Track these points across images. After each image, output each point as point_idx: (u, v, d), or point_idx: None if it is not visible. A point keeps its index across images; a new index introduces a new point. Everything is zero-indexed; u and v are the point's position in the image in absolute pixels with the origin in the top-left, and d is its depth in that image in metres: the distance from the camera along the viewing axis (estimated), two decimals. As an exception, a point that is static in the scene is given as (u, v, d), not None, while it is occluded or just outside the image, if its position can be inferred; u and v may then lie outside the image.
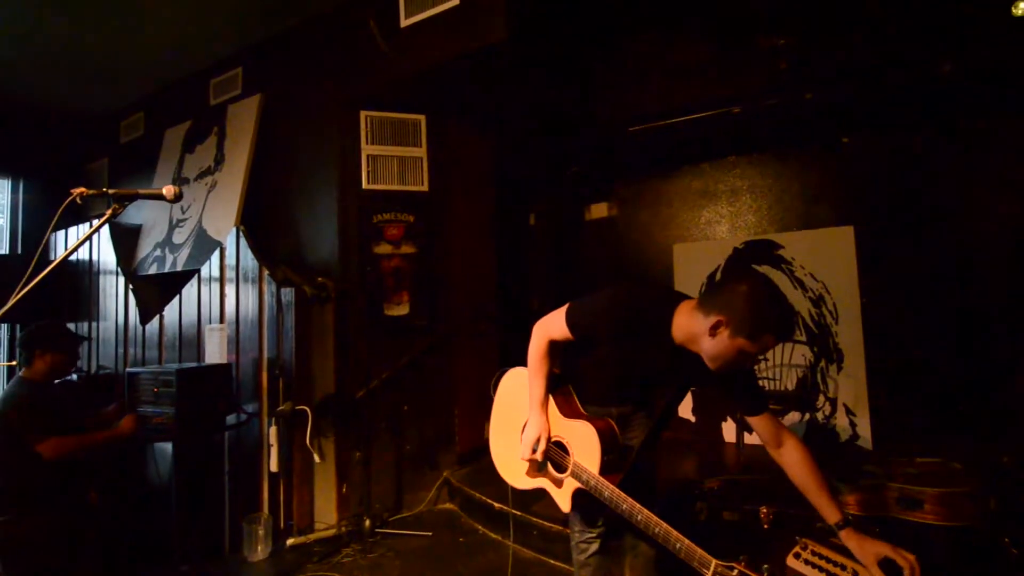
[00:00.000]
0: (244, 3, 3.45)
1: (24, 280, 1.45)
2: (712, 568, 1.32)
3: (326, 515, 3.18)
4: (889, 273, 3.63)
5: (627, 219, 4.71)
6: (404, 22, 3.13)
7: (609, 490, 1.55)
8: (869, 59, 3.06)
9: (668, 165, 4.51)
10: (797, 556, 1.78)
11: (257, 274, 3.28)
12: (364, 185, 3.45)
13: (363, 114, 3.47)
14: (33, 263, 1.49)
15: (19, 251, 4.77)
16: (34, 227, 4.80)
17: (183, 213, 4.08)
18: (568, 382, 1.84)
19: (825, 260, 3.84)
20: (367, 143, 3.48)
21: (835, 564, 1.66)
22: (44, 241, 1.64)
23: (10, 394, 2.48)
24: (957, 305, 3.47)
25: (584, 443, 1.65)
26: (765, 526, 2.29)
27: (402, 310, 3.48)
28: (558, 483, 1.73)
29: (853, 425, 3.60)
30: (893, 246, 3.64)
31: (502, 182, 4.46)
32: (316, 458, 3.10)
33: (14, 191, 4.86)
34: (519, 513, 2.78)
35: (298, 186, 3.71)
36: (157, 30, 3.70)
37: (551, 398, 1.79)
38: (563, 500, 1.72)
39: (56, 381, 2.69)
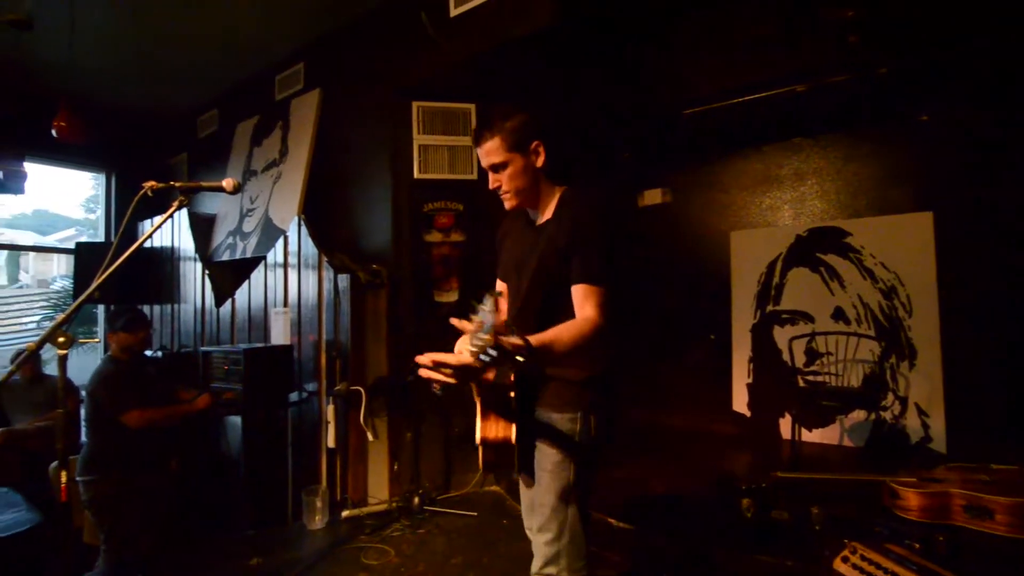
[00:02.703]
0: (304, 4, 3.59)
1: (105, 265, 1.62)
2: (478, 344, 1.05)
3: (378, 490, 3.34)
4: (972, 263, 3.33)
5: (681, 205, 4.56)
6: (453, 11, 3.15)
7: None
8: (949, 28, 2.78)
9: (726, 148, 4.33)
10: (845, 560, 1.71)
11: (316, 261, 3.46)
12: (416, 174, 3.53)
13: (415, 105, 3.55)
14: (112, 249, 1.65)
15: (113, 239, 5.26)
16: (123, 215, 5.27)
17: (252, 203, 4.35)
18: None
19: (899, 248, 3.58)
20: (419, 133, 3.56)
21: (885, 571, 1.58)
22: (122, 229, 1.79)
23: (97, 370, 2.77)
24: (1052, 299, 3.14)
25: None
26: (816, 527, 2.20)
27: (451, 297, 3.56)
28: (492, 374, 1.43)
29: (926, 427, 3.36)
30: (977, 233, 3.33)
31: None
32: (370, 436, 3.25)
33: (107, 185, 5.36)
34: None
35: (354, 176, 3.85)
36: (229, 33, 3.93)
37: None
38: (504, 375, 1.48)
39: (139, 358, 2.97)
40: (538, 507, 1.41)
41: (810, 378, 3.81)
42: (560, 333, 1.23)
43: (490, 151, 1.42)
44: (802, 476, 2.36)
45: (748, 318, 4.15)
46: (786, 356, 3.87)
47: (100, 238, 5.43)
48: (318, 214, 3.74)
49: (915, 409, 3.43)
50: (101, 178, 5.42)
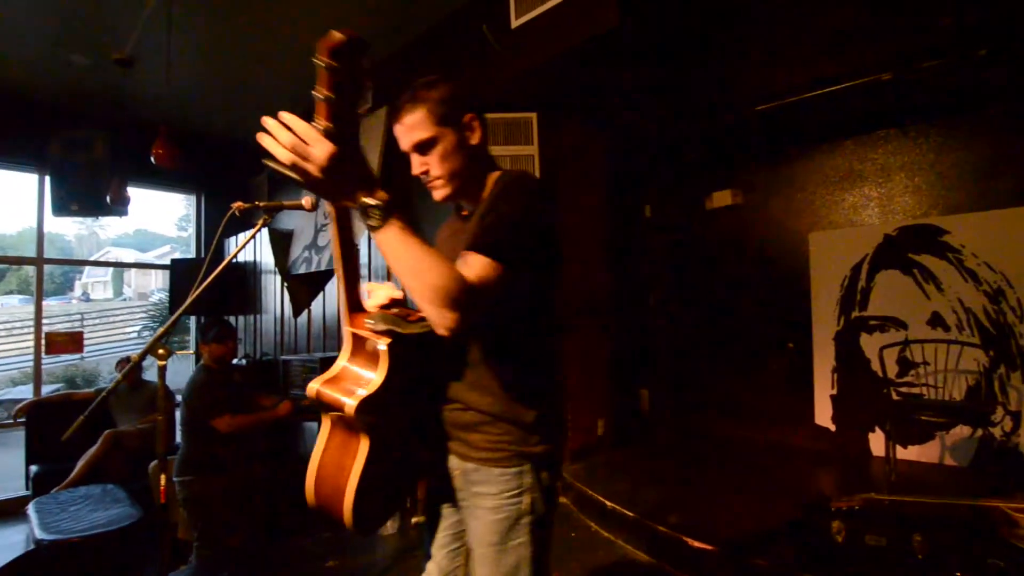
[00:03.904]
0: (368, 27, 3.74)
1: (199, 280, 1.74)
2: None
3: (447, 498, 3.38)
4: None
5: (754, 206, 4.35)
6: (515, 23, 3.18)
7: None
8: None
9: (803, 144, 4.09)
10: (957, 594, 1.54)
11: (386, 272, 3.57)
12: (479, 185, 3.58)
13: (477, 117, 3.60)
14: (205, 265, 1.77)
15: (203, 255, 5.68)
16: (213, 235, 5.69)
17: (326, 218, 4.56)
18: None
19: (1006, 247, 3.23)
20: (481, 144, 3.60)
21: (1008, 610, 1.41)
22: (213, 247, 1.92)
23: (192, 379, 2.99)
24: None
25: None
26: (919, 556, 2.00)
27: (515, 306, 3.56)
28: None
29: (1045, 445, 3.00)
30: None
31: (615, 173, 4.37)
32: (437, 444, 3.30)
33: (198, 205, 5.81)
34: (632, 515, 2.73)
35: (420, 190, 3.95)
36: (302, 61, 4.16)
37: None
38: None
39: (227, 367, 3.18)
40: None
41: (904, 390, 3.51)
42: (430, 250, 0.93)
43: (413, 126, 1.16)
44: (904, 499, 2.15)
45: (831, 325, 3.89)
46: (875, 366, 3.58)
47: (192, 254, 5.88)
48: (386, 227, 3.86)
49: (1032, 426, 3.07)
50: (192, 199, 5.88)
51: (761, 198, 4.33)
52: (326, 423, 1.05)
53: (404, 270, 0.92)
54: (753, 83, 3.65)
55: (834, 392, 3.84)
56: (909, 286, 3.58)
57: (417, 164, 1.18)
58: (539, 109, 3.63)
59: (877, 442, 3.57)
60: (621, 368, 4.24)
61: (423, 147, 1.16)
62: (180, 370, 6.44)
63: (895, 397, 3.49)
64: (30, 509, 3.02)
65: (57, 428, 2.12)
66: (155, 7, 3.27)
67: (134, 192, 4.79)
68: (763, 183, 4.32)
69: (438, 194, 1.20)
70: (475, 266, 0.96)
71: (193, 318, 5.48)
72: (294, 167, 0.87)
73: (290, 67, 4.19)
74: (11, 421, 4.29)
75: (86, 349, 6.59)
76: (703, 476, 3.49)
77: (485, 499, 1.11)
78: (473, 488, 1.13)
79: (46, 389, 5.23)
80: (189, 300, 1.70)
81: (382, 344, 1.00)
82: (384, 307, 1.17)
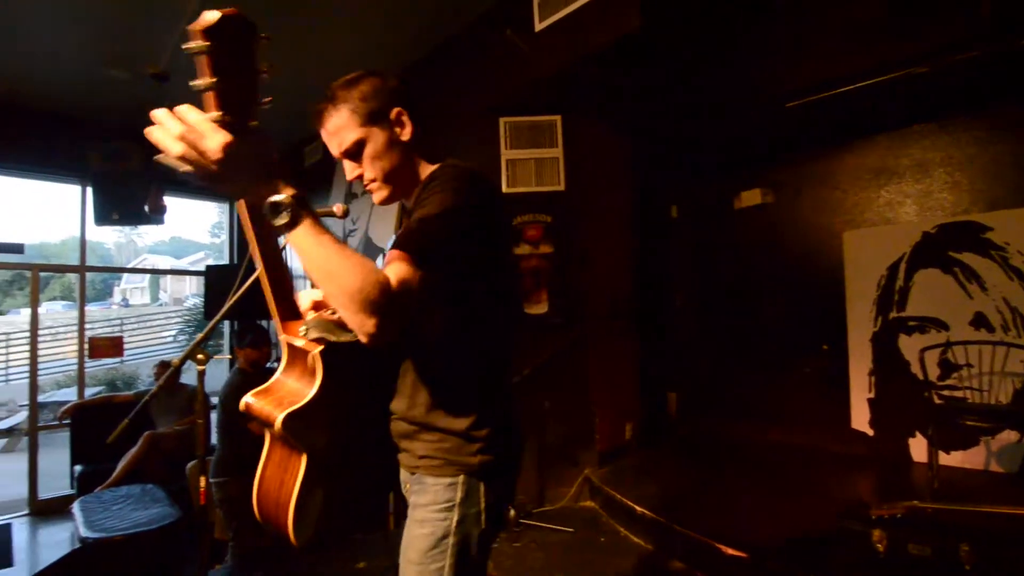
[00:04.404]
0: (394, 35, 3.79)
1: (234, 288, 1.79)
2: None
3: (475, 501, 3.39)
4: None
5: (784, 205, 4.26)
6: (538, 26, 3.18)
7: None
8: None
9: (834, 141, 3.99)
10: (1009, 608, 1.48)
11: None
12: (504, 189, 3.59)
13: (502, 121, 3.62)
14: (241, 273, 1.82)
15: (236, 261, 5.83)
16: (246, 241, 5.82)
17: (353, 224, 4.64)
18: None
19: (1056, 244, 3.09)
20: (506, 148, 3.61)
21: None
22: (248, 255, 1.96)
23: (228, 382, 3.08)
24: None
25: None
26: (966, 567, 1.92)
27: (541, 309, 3.56)
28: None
29: (1101, 452, 2.85)
30: None
31: (641, 174, 4.33)
32: (465, 447, 3.31)
33: (231, 212, 5.96)
34: (662, 520, 2.70)
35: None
36: (329, 73, 4.24)
37: None
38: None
39: (262, 370, 3.25)
40: None
41: (946, 393, 3.38)
42: (346, 250, 0.86)
43: (339, 128, 1.07)
44: (949, 507, 2.07)
45: (867, 326, 3.77)
46: (916, 368, 3.46)
47: (225, 260, 6.04)
48: (413, 231, 3.90)
49: (1086, 431, 2.93)
50: (225, 206, 6.04)
51: (792, 196, 4.23)
52: (266, 438, 0.99)
53: (318, 272, 0.85)
54: (781, 80, 3.57)
55: (871, 395, 3.73)
56: (950, 285, 3.45)
57: (350, 169, 1.10)
58: (563, 111, 3.63)
59: (917, 447, 3.45)
60: (648, 371, 4.20)
61: (352, 153, 1.08)
62: (215, 374, 6.59)
63: (937, 401, 3.37)
64: (75, 507, 3.13)
65: (99, 429, 2.19)
66: (191, 18, 3.38)
67: (170, 200, 4.95)
68: (794, 181, 4.23)
69: (377, 197, 1.12)
70: (396, 268, 0.87)
71: (227, 323, 5.62)
72: (186, 160, 0.78)
73: (315, 76, 4.28)
74: (57, 423, 4.47)
75: (125, 353, 6.83)
76: (733, 481, 3.42)
77: (415, 510, 1.04)
78: (411, 498, 1.07)
79: (88, 392, 5.43)
80: (226, 307, 1.75)
81: (314, 353, 0.93)
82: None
